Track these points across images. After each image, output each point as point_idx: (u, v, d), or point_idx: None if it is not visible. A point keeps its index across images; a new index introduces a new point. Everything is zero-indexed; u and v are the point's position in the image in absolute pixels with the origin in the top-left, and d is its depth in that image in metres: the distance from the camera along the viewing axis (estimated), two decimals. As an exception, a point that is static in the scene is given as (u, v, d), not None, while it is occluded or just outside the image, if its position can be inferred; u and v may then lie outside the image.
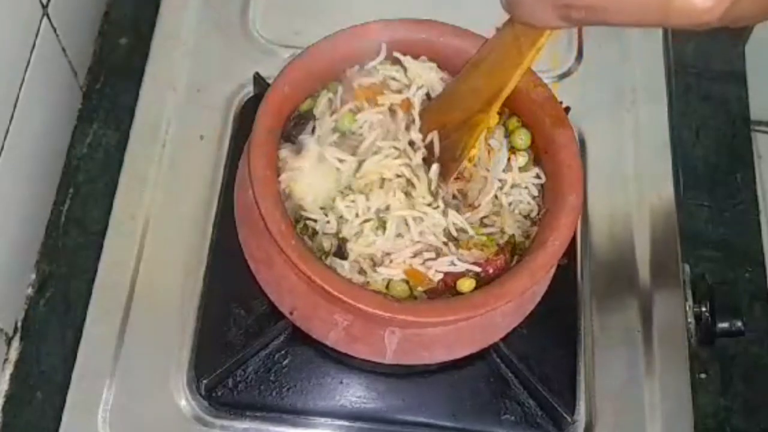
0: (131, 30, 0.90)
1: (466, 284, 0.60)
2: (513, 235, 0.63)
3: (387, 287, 0.60)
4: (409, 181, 0.62)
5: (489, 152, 0.64)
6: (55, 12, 0.79)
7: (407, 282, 0.60)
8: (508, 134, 0.66)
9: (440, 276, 0.60)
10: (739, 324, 0.74)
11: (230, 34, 0.87)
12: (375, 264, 0.60)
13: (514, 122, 0.66)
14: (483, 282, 0.60)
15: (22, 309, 0.77)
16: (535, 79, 0.65)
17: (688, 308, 0.77)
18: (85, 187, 0.82)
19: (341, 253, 0.61)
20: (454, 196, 0.64)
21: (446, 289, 0.60)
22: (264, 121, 0.62)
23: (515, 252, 0.62)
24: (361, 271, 0.60)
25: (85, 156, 0.84)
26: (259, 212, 0.58)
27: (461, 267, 0.60)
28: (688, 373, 0.75)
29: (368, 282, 0.60)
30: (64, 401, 0.71)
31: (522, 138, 0.65)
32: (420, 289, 0.60)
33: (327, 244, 0.61)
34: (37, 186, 0.80)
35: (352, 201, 0.61)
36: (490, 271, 0.61)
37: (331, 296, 0.57)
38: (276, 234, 0.58)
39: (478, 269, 0.60)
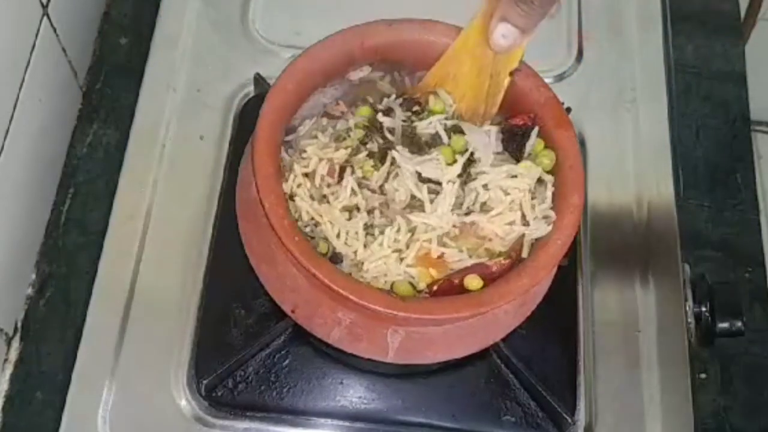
0: (131, 30, 0.90)
1: (474, 283, 0.60)
2: (523, 235, 0.62)
3: (391, 287, 0.60)
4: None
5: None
6: (55, 12, 0.79)
7: (411, 283, 0.60)
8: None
9: (459, 265, 0.60)
10: (739, 324, 0.74)
11: (230, 34, 0.87)
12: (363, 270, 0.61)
13: (539, 144, 0.66)
14: (487, 281, 0.60)
15: (22, 309, 0.77)
16: (537, 80, 0.65)
17: (688, 308, 0.77)
18: (85, 187, 0.82)
19: (337, 257, 0.61)
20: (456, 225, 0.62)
21: (452, 288, 0.60)
22: (268, 117, 0.62)
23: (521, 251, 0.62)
24: (359, 273, 0.60)
25: (85, 156, 0.84)
26: (262, 208, 0.59)
27: (467, 261, 0.60)
28: (688, 373, 0.75)
29: (372, 279, 0.60)
30: (64, 401, 0.71)
31: (548, 159, 0.64)
32: (433, 271, 0.60)
33: (324, 247, 0.61)
34: (37, 186, 0.80)
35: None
36: (494, 269, 0.61)
37: (334, 293, 0.57)
38: (279, 230, 0.58)
39: (486, 261, 0.61)
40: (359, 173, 0.62)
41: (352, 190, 0.61)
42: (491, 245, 0.62)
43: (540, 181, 0.63)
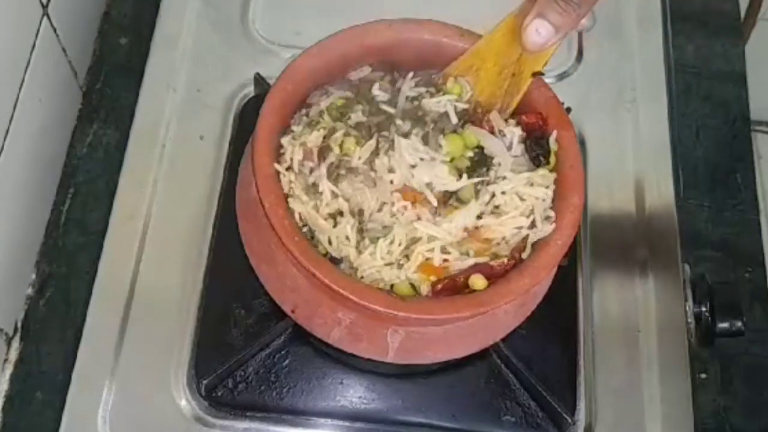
0: (131, 30, 0.90)
1: (478, 282, 0.60)
2: (528, 235, 0.62)
3: (391, 287, 0.60)
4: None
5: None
6: (55, 12, 0.79)
7: (411, 284, 0.60)
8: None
9: (456, 267, 0.60)
10: (739, 324, 0.74)
11: (230, 34, 0.87)
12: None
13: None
14: (490, 279, 0.60)
15: (22, 309, 0.77)
16: (537, 80, 0.65)
17: (688, 308, 0.77)
18: (85, 187, 0.82)
19: (336, 257, 0.61)
20: (466, 229, 0.61)
21: (455, 285, 0.60)
22: (268, 118, 0.62)
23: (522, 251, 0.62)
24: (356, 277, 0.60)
25: (85, 156, 0.84)
26: (262, 208, 0.59)
27: (470, 262, 0.60)
28: (688, 373, 0.75)
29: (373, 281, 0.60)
30: (64, 401, 0.71)
31: (551, 159, 0.65)
32: (433, 278, 0.59)
33: (322, 248, 0.60)
34: (37, 186, 0.80)
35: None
36: (497, 267, 0.60)
37: (334, 293, 0.57)
38: (279, 230, 0.58)
39: (488, 261, 0.60)
40: (337, 150, 0.61)
41: (332, 192, 0.60)
42: (498, 249, 0.61)
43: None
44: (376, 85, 0.64)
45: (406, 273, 0.59)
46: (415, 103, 0.64)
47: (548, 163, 0.63)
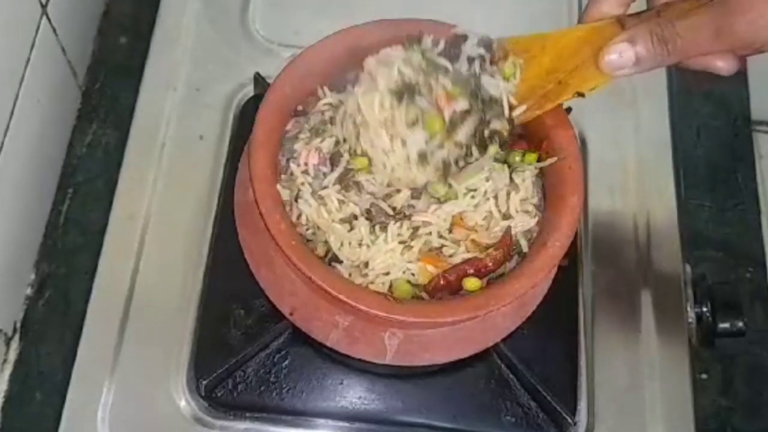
0: (131, 29, 0.90)
1: (471, 283, 0.60)
2: (509, 226, 0.62)
3: (390, 288, 0.60)
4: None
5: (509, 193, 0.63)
6: (55, 11, 0.79)
7: (409, 282, 0.60)
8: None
9: (456, 259, 0.60)
10: (740, 324, 0.74)
11: (230, 34, 0.87)
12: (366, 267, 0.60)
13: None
14: (482, 275, 0.60)
15: (21, 309, 0.77)
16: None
17: (688, 308, 0.76)
18: (85, 186, 0.82)
19: (336, 257, 0.61)
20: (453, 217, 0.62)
21: (449, 285, 0.60)
22: (265, 121, 0.62)
23: (515, 247, 0.62)
24: (359, 274, 0.60)
25: (85, 156, 0.84)
26: (259, 212, 0.58)
27: (461, 254, 0.60)
28: (688, 374, 0.75)
29: (371, 283, 0.60)
30: (63, 401, 0.71)
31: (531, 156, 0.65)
32: (432, 268, 0.60)
33: (322, 250, 0.60)
34: (37, 186, 0.80)
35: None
36: (490, 264, 0.60)
37: (331, 297, 0.57)
38: (276, 234, 0.58)
39: (479, 255, 0.60)
40: (347, 157, 0.61)
41: (339, 201, 0.60)
42: (477, 237, 0.61)
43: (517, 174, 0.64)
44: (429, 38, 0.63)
45: (410, 260, 0.60)
46: (472, 69, 0.62)
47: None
